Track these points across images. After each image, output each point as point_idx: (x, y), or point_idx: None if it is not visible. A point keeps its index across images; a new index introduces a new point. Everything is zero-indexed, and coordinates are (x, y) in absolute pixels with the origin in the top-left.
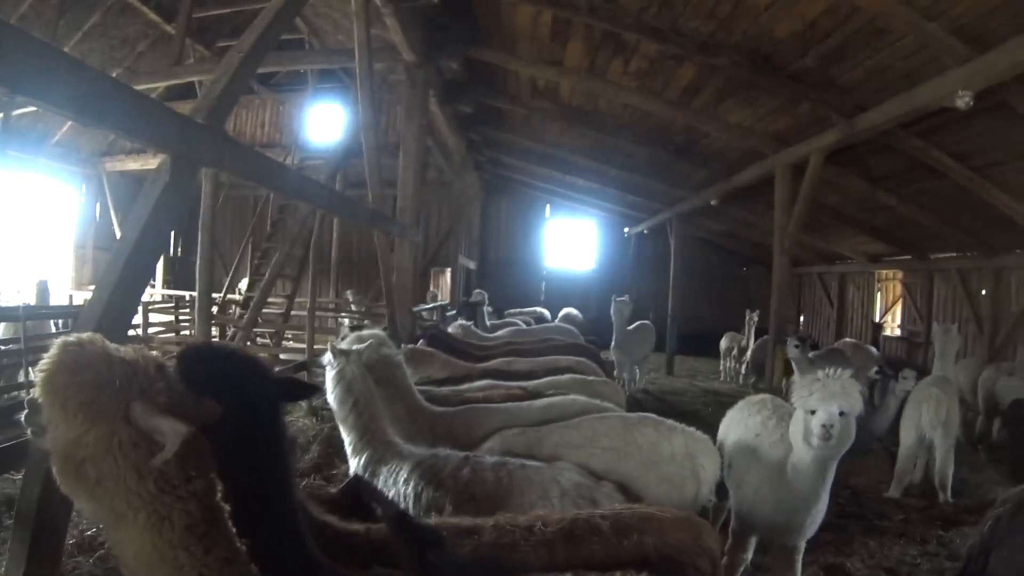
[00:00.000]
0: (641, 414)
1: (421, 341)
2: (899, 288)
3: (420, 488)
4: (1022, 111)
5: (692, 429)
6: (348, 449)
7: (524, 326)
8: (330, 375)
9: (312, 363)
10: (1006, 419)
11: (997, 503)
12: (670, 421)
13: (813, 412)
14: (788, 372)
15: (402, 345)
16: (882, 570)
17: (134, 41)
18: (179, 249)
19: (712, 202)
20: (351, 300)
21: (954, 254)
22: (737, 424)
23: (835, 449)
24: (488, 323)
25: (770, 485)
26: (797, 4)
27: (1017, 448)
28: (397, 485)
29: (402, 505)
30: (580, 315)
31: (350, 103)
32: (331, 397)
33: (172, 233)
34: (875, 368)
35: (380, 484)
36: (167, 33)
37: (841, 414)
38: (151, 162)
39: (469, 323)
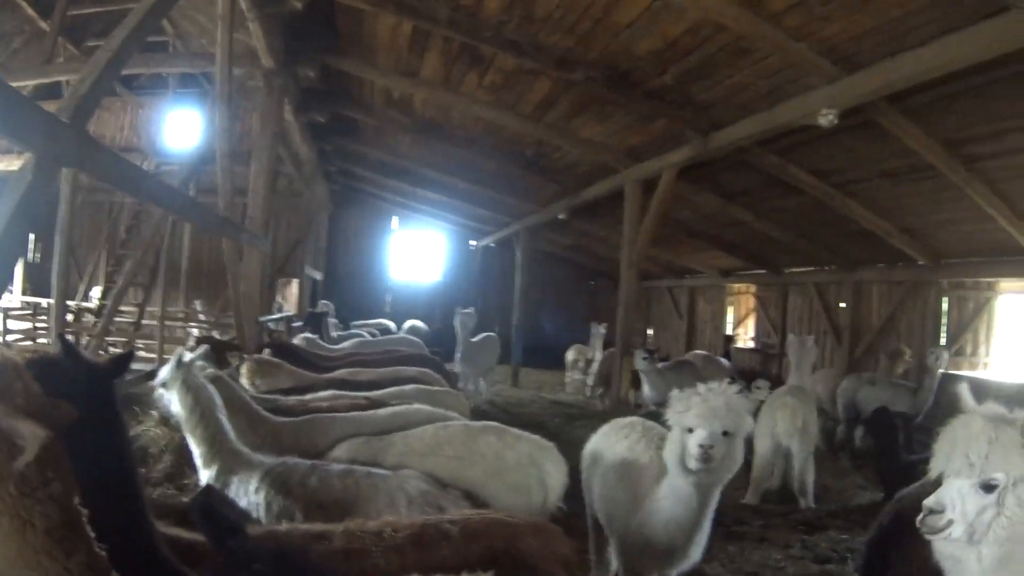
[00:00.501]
0: (485, 423)
1: (267, 351)
2: (752, 301)
3: (270, 497)
4: (889, 128)
5: (536, 437)
6: (198, 461)
7: (369, 337)
8: (175, 387)
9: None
10: (870, 426)
11: (894, 500)
12: (514, 429)
13: (691, 430)
14: (635, 384)
15: (243, 356)
16: (744, 574)
17: (10, 37)
18: (37, 254)
19: (560, 216)
20: (200, 310)
21: (811, 268)
22: (604, 450)
23: (717, 474)
24: (334, 334)
25: (642, 515)
26: (659, 23)
27: (882, 454)
28: (248, 495)
29: (254, 515)
30: (425, 327)
31: (208, 109)
32: (177, 408)
33: (32, 238)
34: (727, 379)
35: (232, 494)
36: (42, 31)
37: (725, 434)
38: (14, 163)
39: (315, 336)
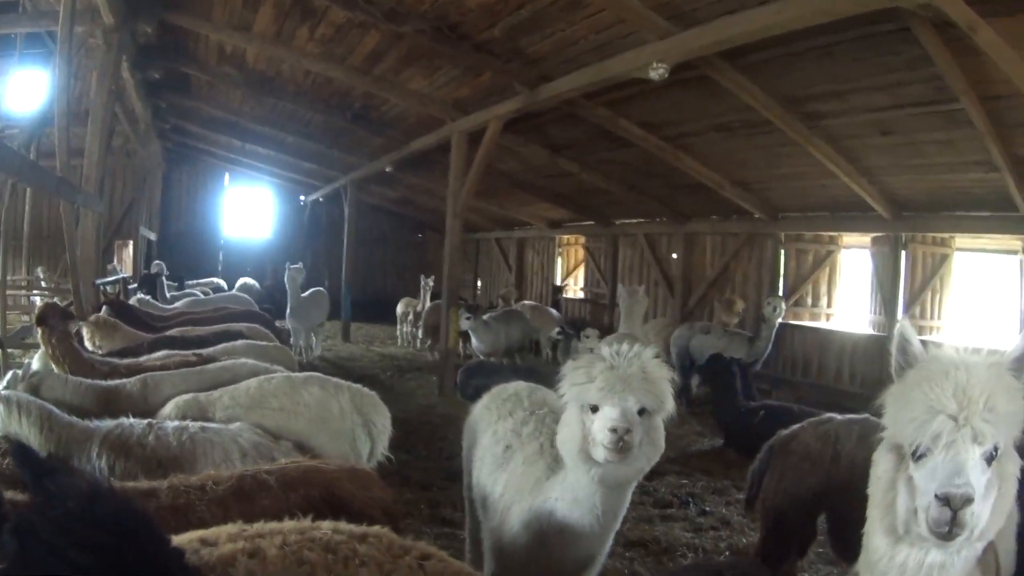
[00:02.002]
0: (308, 373)
1: (104, 310)
2: (582, 252)
3: (111, 461)
4: (725, 84)
5: (358, 386)
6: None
7: (202, 296)
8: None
9: (7, 342)
10: (705, 373)
11: (774, 438)
12: (336, 379)
13: (595, 409)
14: (464, 335)
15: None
16: None
17: None
18: None
19: (387, 168)
20: (41, 277)
21: (641, 220)
22: (483, 427)
23: (634, 466)
24: (168, 295)
25: (528, 519)
26: None
27: (718, 399)
28: (91, 462)
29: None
30: (257, 284)
31: (52, 69)
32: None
33: None
34: (556, 328)
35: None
36: None
37: (642, 412)
38: None
39: (148, 296)
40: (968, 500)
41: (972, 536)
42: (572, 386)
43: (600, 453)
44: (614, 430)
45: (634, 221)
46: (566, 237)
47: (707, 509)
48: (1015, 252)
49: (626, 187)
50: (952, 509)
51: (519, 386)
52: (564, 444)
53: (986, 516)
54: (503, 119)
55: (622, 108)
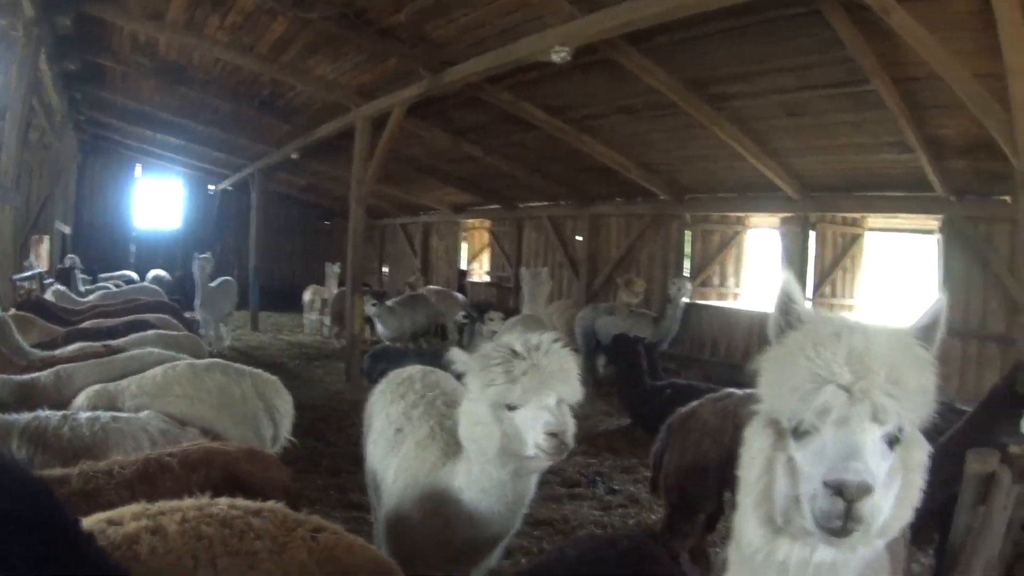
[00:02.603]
0: (211, 360)
1: (12, 311)
2: (487, 236)
3: (30, 453)
4: (629, 67)
5: (260, 371)
6: None
7: (114, 289)
8: None
9: None
10: (611, 353)
11: (672, 416)
12: (238, 365)
13: (512, 408)
14: (371, 322)
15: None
16: None
17: None
18: None
19: (293, 156)
20: None
21: (546, 203)
22: (377, 410)
23: (558, 458)
24: (82, 288)
25: (427, 505)
26: None
27: (624, 378)
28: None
29: None
30: (168, 275)
31: None
32: None
33: None
34: (462, 312)
35: None
36: None
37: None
38: None
39: (63, 288)
40: (866, 489)
41: (871, 532)
42: (485, 382)
43: (532, 453)
44: (554, 435)
45: (539, 204)
46: (471, 221)
47: (615, 487)
48: (931, 231)
49: (530, 170)
50: (846, 500)
51: (414, 369)
52: (479, 442)
53: (887, 509)
54: (407, 104)
55: (526, 92)
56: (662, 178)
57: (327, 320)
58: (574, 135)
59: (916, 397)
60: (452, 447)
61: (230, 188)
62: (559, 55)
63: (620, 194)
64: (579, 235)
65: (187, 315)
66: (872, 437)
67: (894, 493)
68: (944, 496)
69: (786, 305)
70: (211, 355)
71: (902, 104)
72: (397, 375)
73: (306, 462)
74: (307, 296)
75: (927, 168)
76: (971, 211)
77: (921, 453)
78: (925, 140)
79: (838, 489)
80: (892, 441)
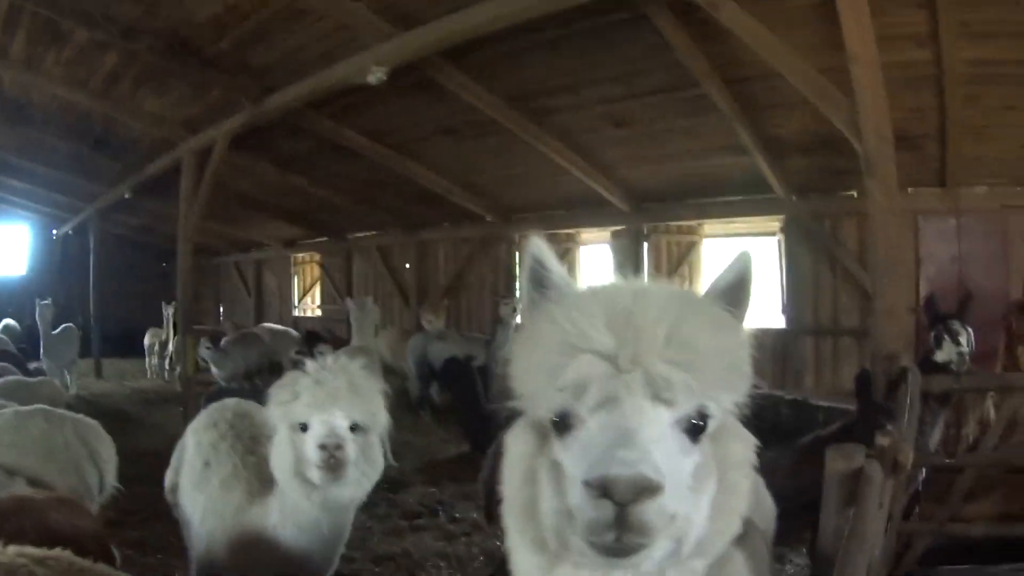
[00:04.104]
0: (35, 406)
1: None
2: (317, 270)
3: None
4: (448, 85)
5: (82, 416)
6: None
7: None
8: None
9: None
10: (445, 378)
11: (495, 442)
12: (61, 410)
13: (305, 428)
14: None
15: None
16: None
17: None
18: None
19: (126, 195)
20: None
21: (374, 232)
22: (188, 446)
23: (356, 487)
24: None
25: (239, 547)
26: None
27: (460, 403)
28: None
29: None
30: (16, 324)
31: None
32: None
33: None
34: (295, 349)
35: None
36: None
37: (355, 428)
38: None
39: None
40: (644, 487)
41: (678, 551)
42: (278, 405)
43: (314, 474)
44: (323, 447)
45: (367, 234)
46: (302, 255)
47: (457, 516)
48: (772, 233)
49: (357, 200)
50: (616, 503)
51: (229, 401)
52: (278, 468)
53: (700, 520)
54: (230, 135)
55: (347, 117)
56: (488, 200)
57: (166, 363)
58: (398, 160)
59: (716, 368)
60: (256, 485)
61: (71, 232)
62: (375, 76)
63: (447, 219)
64: (407, 263)
65: (33, 365)
66: (654, 421)
67: (707, 498)
68: (817, 494)
69: (537, 273)
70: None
71: (735, 106)
72: (212, 408)
73: (149, 510)
74: (147, 340)
75: (765, 169)
76: (815, 208)
77: (741, 447)
78: (762, 141)
79: (602, 489)
80: (694, 430)
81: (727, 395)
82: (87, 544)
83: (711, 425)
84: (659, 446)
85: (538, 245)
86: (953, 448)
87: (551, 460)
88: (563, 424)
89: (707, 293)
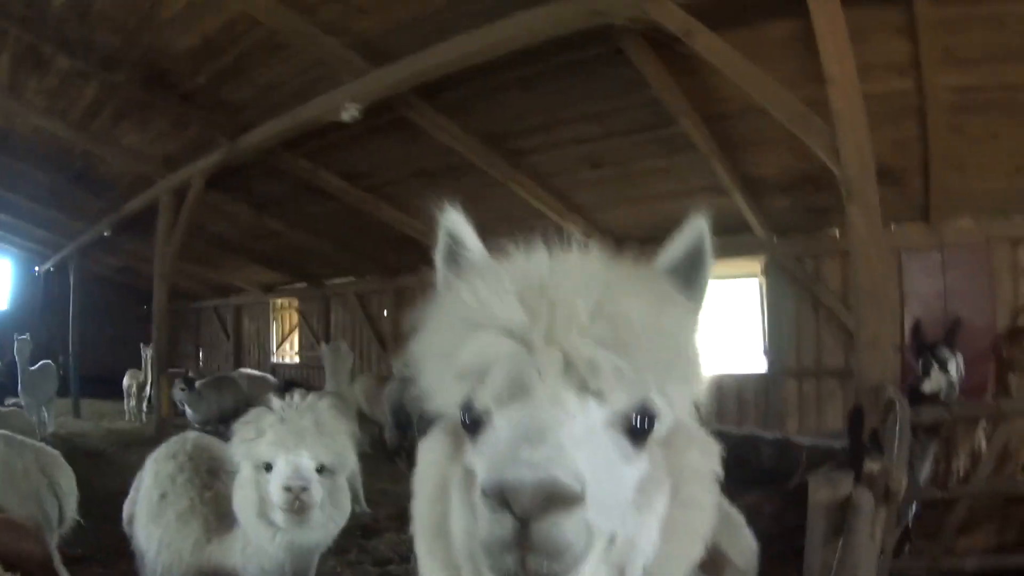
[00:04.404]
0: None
1: None
2: (295, 316)
3: None
4: (423, 125)
5: (43, 445)
6: None
7: None
8: None
9: None
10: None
11: None
12: (22, 437)
13: (269, 468)
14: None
15: None
16: None
17: None
18: None
19: (105, 233)
20: None
21: (352, 278)
22: (146, 475)
23: (318, 530)
24: None
25: None
26: (198, 17)
27: None
28: None
29: None
30: None
31: None
32: None
33: None
34: (270, 394)
35: None
36: None
37: (322, 470)
38: None
39: None
40: (552, 494)
41: None
42: (242, 443)
43: (279, 516)
44: (288, 488)
45: (345, 280)
46: (280, 301)
47: None
48: (753, 275)
49: (335, 244)
50: (517, 516)
51: (189, 434)
52: (241, 508)
53: (647, 544)
54: (206, 174)
55: (322, 158)
56: None
57: (144, 405)
58: (373, 203)
59: (659, 352)
60: (214, 522)
61: (52, 269)
62: (349, 113)
63: (424, 263)
64: (385, 309)
65: (10, 401)
66: (577, 416)
67: (656, 517)
68: (803, 537)
69: (452, 250)
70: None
71: (713, 144)
72: (171, 441)
73: (115, 548)
74: (126, 381)
75: (745, 209)
76: (796, 249)
77: (701, 455)
78: (741, 180)
79: (499, 497)
80: (637, 433)
81: (677, 389)
82: (32, 568)
83: (660, 427)
84: (583, 448)
85: (453, 218)
86: (943, 483)
87: (464, 469)
88: (474, 423)
89: (651, 267)
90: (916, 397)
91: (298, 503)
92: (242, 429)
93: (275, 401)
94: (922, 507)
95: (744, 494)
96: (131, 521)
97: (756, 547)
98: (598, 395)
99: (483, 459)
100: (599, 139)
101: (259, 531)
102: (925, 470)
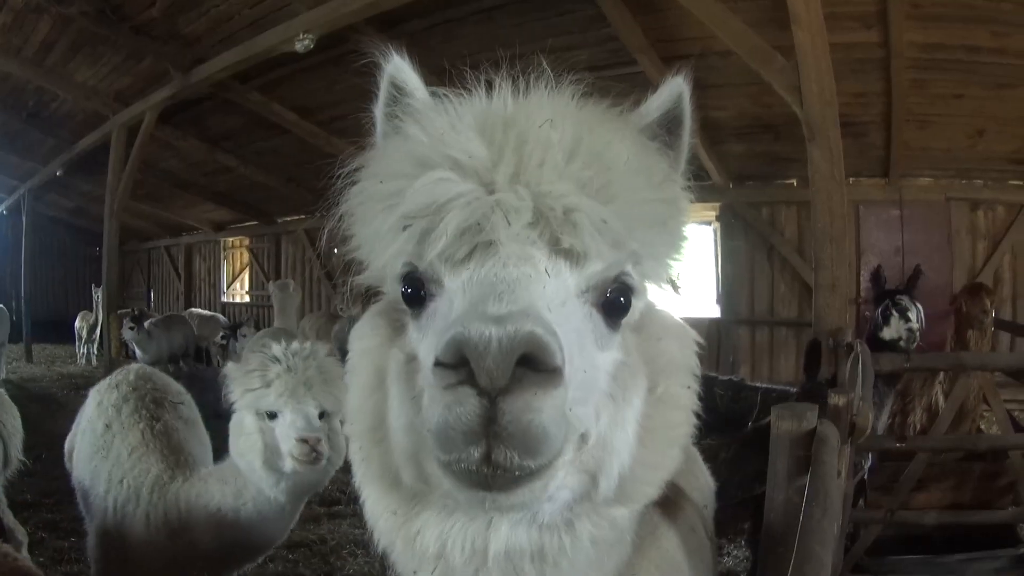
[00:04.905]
0: None
1: None
2: (246, 255)
3: None
4: (380, 59)
5: None
6: None
7: None
8: None
9: None
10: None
11: None
12: None
13: (272, 416)
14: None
15: None
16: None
17: None
18: None
19: (57, 172)
20: None
21: (302, 215)
22: (88, 405)
23: (320, 474)
24: None
25: (178, 522)
26: None
27: None
28: None
29: None
30: None
31: None
32: None
33: None
34: (221, 333)
35: None
36: None
37: (322, 415)
38: None
39: None
40: (531, 346)
41: (593, 491)
42: (246, 392)
43: (288, 464)
44: (305, 440)
45: (296, 218)
46: (232, 240)
47: None
48: (709, 222)
49: (285, 180)
50: (482, 388)
51: (132, 365)
52: (245, 456)
53: (623, 444)
54: (159, 108)
55: (276, 91)
56: None
57: (94, 348)
58: (325, 138)
59: (642, 202)
60: (171, 458)
61: (4, 213)
62: (302, 43)
63: None
64: (335, 247)
65: None
66: (548, 278)
67: (633, 413)
68: (760, 486)
69: (396, 100)
70: None
71: None
72: (116, 372)
73: (64, 493)
74: (78, 323)
75: (702, 154)
76: (753, 196)
77: (679, 345)
78: (699, 124)
79: (458, 357)
80: (613, 309)
81: (657, 251)
82: None
83: (635, 306)
84: (558, 316)
85: (397, 64)
86: (901, 438)
87: (405, 355)
88: (416, 294)
89: (630, 119)
90: (875, 345)
91: (314, 454)
92: (245, 378)
93: (275, 347)
94: (878, 460)
95: (699, 439)
96: (71, 456)
97: (714, 484)
98: (572, 255)
99: (431, 335)
100: (556, 76)
101: (263, 478)
102: (882, 421)
